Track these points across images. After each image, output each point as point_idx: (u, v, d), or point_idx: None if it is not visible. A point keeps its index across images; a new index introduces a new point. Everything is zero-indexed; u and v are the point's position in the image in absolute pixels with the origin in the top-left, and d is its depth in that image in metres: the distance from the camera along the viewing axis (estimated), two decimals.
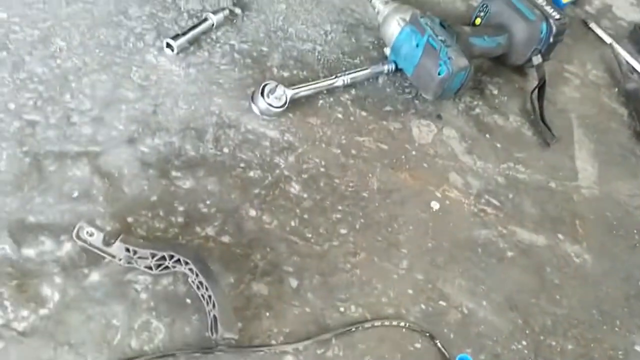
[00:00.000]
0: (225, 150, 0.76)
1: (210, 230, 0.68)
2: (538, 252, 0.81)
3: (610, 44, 1.14)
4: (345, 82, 0.87)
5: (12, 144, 0.67)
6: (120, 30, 0.82)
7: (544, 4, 0.99)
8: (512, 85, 1.01)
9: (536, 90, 0.99)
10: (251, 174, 0.75)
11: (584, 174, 0.93)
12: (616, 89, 1.08)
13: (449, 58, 0.85)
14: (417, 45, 0.87)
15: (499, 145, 0.92)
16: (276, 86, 0.80)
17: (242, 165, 0.75)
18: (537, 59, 0.99)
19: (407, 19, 0.89)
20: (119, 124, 0.73)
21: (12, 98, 0.71)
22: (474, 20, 1.01)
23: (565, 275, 0.80)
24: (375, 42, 0.96)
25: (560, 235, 0.84)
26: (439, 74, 0.85)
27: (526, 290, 0.77)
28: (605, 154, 0.98)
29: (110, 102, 0.74)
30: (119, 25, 0.82)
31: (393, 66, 0.91)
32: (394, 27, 0.90)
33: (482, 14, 0.99)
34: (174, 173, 0.71)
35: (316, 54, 0.91)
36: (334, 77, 0.86)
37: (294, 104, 0.82)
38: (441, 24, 0.90)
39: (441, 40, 0.86)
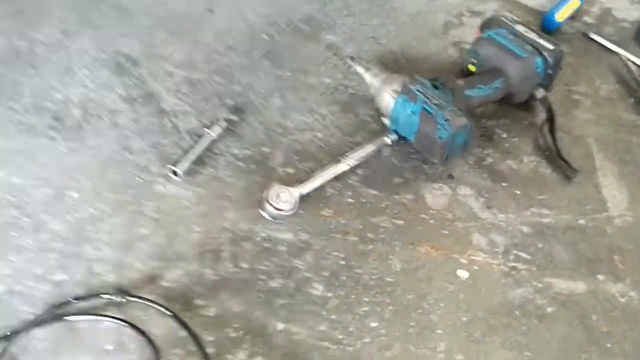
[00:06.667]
0: (244, 265, 0.77)
1: (241, 355, 0.70)
2: (579, 300, 0.79)
3: (617, 52, 1.10)
4: (351, 164, 0.88)
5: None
6: (126, 167, 0.85)
7: (535, 36, 0.97)
8: (520, 123, 0.99)
9: (546, 124, 0.97)
10: (273, 284, 0.76)
11: (613, 202, 0.90)
12: (632, 99, 1.04)
13: (446, 120, 0.84)
14: (413, 113, 0.87)
15: (517, 191, 0.90)
16: (282, 190, 0.82)
17: (262, 277, 0.77)
18: (539, 93, 0.97)
19: (398, 89, 0.90)
20: (140, 264, 0.76)
21: (38, 262, 0.74)
22: (468, 67, 1.00)
23: (613, 320, 0.77)
24: (374, 113, 0.96)
25: (599, 276, 0.81)
26: (439, 138, 0.85)
27: (574, 347, 0.74)
28: (632, 174, 0.94)
29: (127, 244, 0.77)
30: (124, 163, 0.85)
31: (395, 136, 0.91)
32: (388, 99, 0.91)
33: (473, 60, 0.99)
34: (197, 302, 0.73)
35: (317, 141, 0.92)
36: (338, 162, 0.87)
37: (303, 199, 0.83)
38: (434, 85, 0.90)
39: (435, 104, 0.86)
